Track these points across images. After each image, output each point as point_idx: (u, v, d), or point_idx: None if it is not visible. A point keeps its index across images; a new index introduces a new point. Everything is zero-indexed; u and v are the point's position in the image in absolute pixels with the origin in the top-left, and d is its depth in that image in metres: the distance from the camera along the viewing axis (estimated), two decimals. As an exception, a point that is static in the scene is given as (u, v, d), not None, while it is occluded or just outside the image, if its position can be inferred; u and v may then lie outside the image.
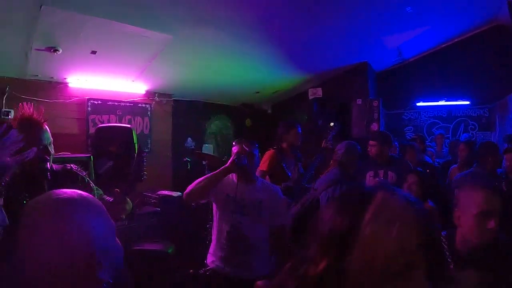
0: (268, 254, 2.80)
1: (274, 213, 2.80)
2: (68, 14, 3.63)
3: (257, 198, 2.77)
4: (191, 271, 2.87)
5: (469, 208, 1.78)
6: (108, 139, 4.87)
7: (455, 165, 4.89)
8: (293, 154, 4.41)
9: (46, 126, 2.02)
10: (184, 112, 6.84)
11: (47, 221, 0.88)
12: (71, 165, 2.19)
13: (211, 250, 2.85)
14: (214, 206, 2.88)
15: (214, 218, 2.86)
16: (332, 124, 6.55)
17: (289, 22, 4.97)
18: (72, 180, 2.09)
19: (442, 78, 7.60)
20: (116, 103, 5.63)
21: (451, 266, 1.69)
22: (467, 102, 7.63)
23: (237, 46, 5.25)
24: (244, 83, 6.85)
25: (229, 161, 2.78)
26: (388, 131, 6.68)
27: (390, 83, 7.86)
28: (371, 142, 4.18)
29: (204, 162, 5.85)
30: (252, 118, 8.36)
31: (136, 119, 5.89)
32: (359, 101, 6.86)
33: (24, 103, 1.97)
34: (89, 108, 5.28)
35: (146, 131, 6.05)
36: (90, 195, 1.00)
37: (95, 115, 5.35)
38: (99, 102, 5.40)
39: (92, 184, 2.21)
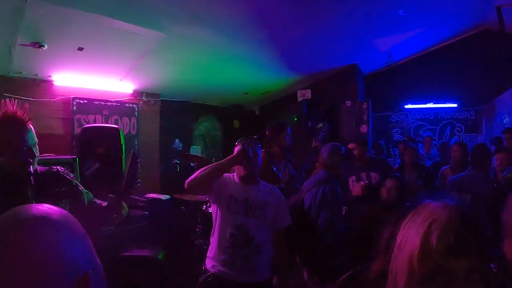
0: (270, 257, 2.70)
1: (278, 215, 2.71)
2: (55, 8, 3.46)
3: (262, 199, 2.68)
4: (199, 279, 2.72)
5: None
6: (94, 140, 4.73)
7: (446, 166, 4.89)
8: (283, 155, 4.35)
9: (31, 125, 1.85)
10: (172, 112, 6.70)
11: (17, 246, 0.69)
12: (58, 167, 2.03)
13: (210, 254, 2.72)
14: (214, 208, 2.76)
15: (215, 221, 2.74)
16: (320, 124, 6.56)
17: (281, 22, 4.91)
18: (58, 184, 1.94)
19: (430, 81, 7.68)
20: (102, 103, 5.45)
21: None
22: (455, 105, 7.73)
23: (228, 45, 5.16)
24: (233, 84, 6.77)
25: (236, 151, 2.69)
26: (376, 132, 6.73)
27: (378, 85, 7.90)
28: (350, 145, 4.21)
29: (192, 164, 5.73)
30: (240, 119, 8.28)
31: (123, 119, 5.71)
32: (348, 103, 6.86)
33: (7, 100, 1.79)
34: (75, 108, 5.08)
35: (133, 132, 5.87)
36: (66, 212, 0.82)
37: (80, 115, 5.16)
38: (85, 101, 5.21)
39: (81, 188, 2.06)
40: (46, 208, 0.78)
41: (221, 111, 7.93)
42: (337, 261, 3.04)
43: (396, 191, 3.41)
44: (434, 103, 7.85)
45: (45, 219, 0.75)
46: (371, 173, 4.02)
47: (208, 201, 4.67)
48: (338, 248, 3.20)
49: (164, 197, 5.41)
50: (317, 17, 4.97)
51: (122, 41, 4.37)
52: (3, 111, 1.79)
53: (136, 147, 5.90)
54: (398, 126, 8.32)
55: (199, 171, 2.66)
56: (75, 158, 4.42)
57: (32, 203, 1.55)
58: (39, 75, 4.73)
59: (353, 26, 5.52)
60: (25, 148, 1.78)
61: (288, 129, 4.33)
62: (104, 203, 2.10)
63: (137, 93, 5.96)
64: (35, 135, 1.87)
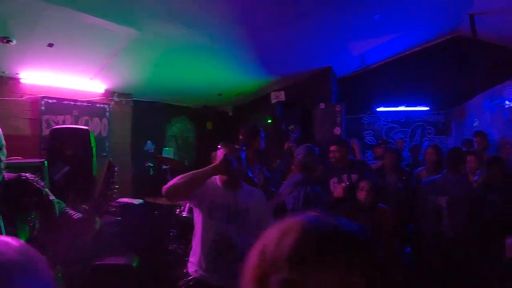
0: None
1: (260, 219, 2.65)
2: (25, 0, 3.27)
3: (244, 205, 2.63)
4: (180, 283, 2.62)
5: None
6: (64, 142, 4.50)
7: (421, 168, 4.96)
8: (257, 158, 4.30)
9: None
10: (144, 113, 6.51)
11: None
12: (27, 174, 1.82)
13: (192, 259, 2.66)
14: (196, 212, 2.68)
15: (196, 224, 2.66)
16: (292, 126, 6.57)
17: (257, 24, 4.88)
18: (27, 194, 1.74)
19: (402, 85, 7.85)
20: (72, 103, 5.21)
21: None
22: (426, 108, 7.91)
23: (203, 45, 5.06)
24: (207, 85, 6.65)
25: (219, 160, 2.58)
26: (349, 135, 6.77)
27: (350, 88, 7.98)
28: (332, 148, 4.20)
29: (165, 167, 5.56)
30: (213, 121, 8.17)
31: (93, 120, 5.49)
32: (322, 105, 6.86)
33: None
34: (43, 108, 4.83)
35: (104, 133, 5.65)
36: (26, 247, 0.69)
37: (49, 115, 4.91)
38: (54, 101, 4.96)
39: (51, 197, 1.87)
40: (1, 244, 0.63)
41: (194, 112, 7.79)
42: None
43: (370, 192, 3.47)
44: (406, 106, 8.02)
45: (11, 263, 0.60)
46: (352, 175, 4.02)
47: (181, 206, 4.56)
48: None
49: (137, 201, 5.20)
50: (293, 20, 4.96)
51: (94, 38, 4.21)
52: None
53: (107, 149, 5.68)
54: (370, 128, 8.43)
55: (178, 178, 2.54)
56: (44, 162, 4.17)
57: None
58: (6, 72, 4.49)
59: (329, 30, 5.54)
60: None
61: (262, 132, 4.29)
62: (76, 215, 1.92)
63: (109, 93, 5.74)
64: (3, 137, 1.68)
